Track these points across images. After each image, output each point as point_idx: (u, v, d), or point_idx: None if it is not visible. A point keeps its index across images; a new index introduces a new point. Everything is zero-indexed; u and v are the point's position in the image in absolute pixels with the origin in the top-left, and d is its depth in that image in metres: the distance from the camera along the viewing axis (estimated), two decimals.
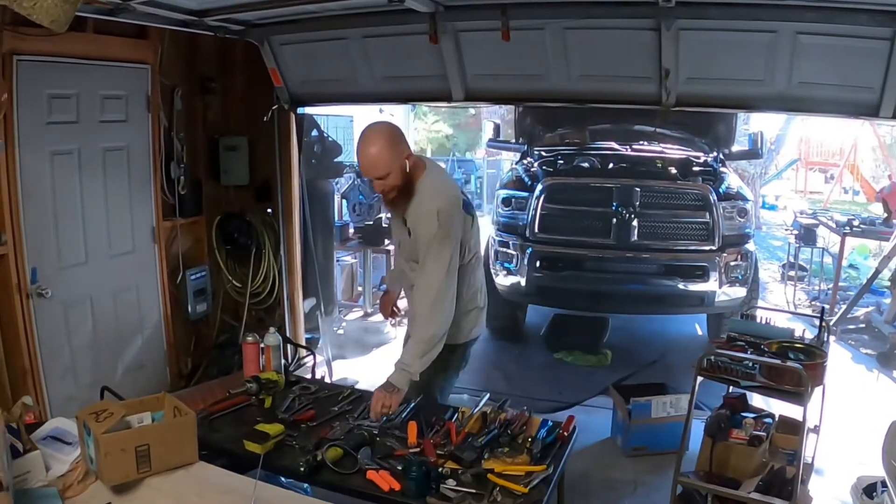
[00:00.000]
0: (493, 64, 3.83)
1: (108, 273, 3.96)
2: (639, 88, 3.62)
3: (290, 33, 4.04)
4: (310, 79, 4.29)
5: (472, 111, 18.09)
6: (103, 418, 1.79)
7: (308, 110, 4.90)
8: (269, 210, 4.82)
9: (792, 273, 8.15)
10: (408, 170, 2.62)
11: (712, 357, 2.85)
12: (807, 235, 7.93)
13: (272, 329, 2.80)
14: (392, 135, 2.59)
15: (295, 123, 4.63)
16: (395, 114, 11.08)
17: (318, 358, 4.72)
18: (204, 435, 2.35)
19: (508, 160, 12.27)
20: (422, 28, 3.64)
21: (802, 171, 17.26)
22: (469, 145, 19.49)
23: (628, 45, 3.49)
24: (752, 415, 3.12)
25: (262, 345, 2.80)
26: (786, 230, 9.08)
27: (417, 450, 2.31)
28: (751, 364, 2.76)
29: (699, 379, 2.88)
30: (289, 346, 4.36)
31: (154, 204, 4.21)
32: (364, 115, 9.13)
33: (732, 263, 5.22)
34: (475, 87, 3.95)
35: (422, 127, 19.70)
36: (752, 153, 6.71)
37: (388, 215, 3.64)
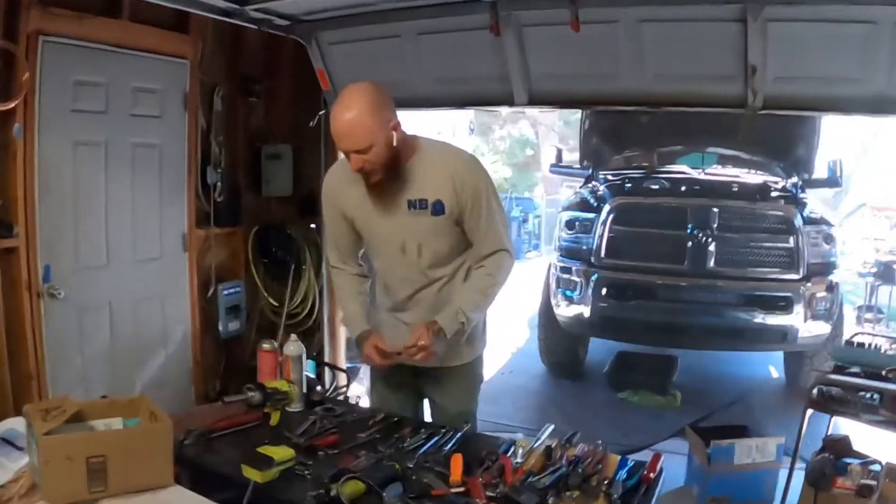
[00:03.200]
0: (560, 63, 3.43)
1: (130, 279, 3.64)
2: (721, 89, 3.17)
3: (339, 29, 3.73)
4: (359, 80, 3.93)
5: (531, 150, 17.81)
6: (52, 416, 1.37)
7: None
8: (312, 225, 4.46)
9: (869, 315, 7.75)
10: (395, 143, 2.10)
11: (824, 386, 2.32)
12: (886, 273, 7.65)
13: (293, 336, 2.37)
14: (376, 96, 2.06)
15: None
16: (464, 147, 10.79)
17: (360, 388, 4.27)
18: (200, 456, 1.95)
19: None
20: (482, 21, 3.27)
21: (868, 215, 16.18)
22: (528, 185, 19.11)
23: (710, 40, 3.07)
24: (857, 460, 2.61)
25: (281, 355, 2.37)
26: (864, 266, 8.58)
27: (462, 489, 1.81)
28: (871, 395, 2.23)
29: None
30: (326, 371, 3.98)
31: (187, 209, 3.90)
32: (419, 122, 8.83)
33: (818, 295, 4.66)
34: (539, 90, 3.55)
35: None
36: (832, 181, 6.12)
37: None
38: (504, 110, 4.20)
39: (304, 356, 2.34)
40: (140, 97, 3.56)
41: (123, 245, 3.59)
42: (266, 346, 2.37)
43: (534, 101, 3.60)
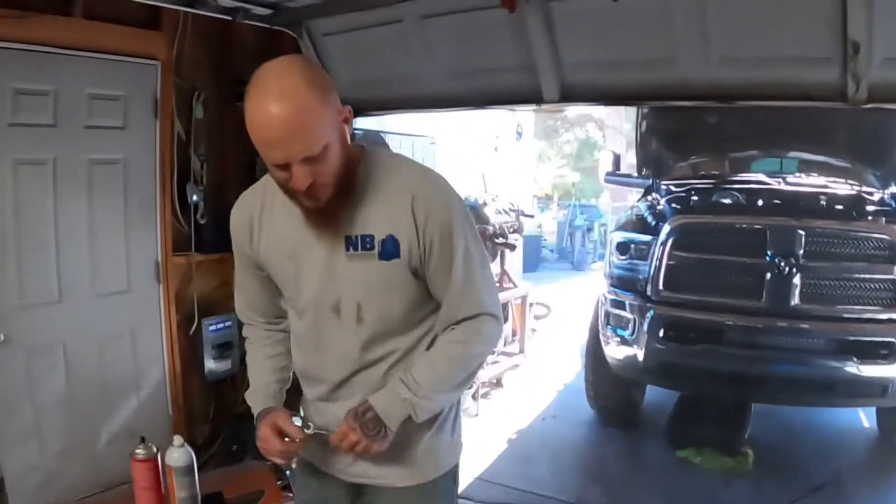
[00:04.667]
0: (599, 47, 2.74)
1: (90, 316, 3.16)
2: (809, 76, 2.42)
3: (332, 16, 3.14)
4: (361, 79, 3.34)
5: (598, 154, 16.84)
6: None
7: (365, 123, 3.95)
8: None
9: None
10: (349, 133, 1.46)
11: None
12: None
13: (177, 440, 1.72)
14: (315, 73, 1.39)
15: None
16: (514, 154, 9.94)
17: None
18: None
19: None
20: None
21: None
22: (596, 191, 18.13)
23: (796, 9, 2.32)
24: None
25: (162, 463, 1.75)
26: None
27: None
28: None
29: None
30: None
31: (160, 233, 3.38)
32: (446, 131, 7.96)
33: None
34: (574, 82, 2.87)
35: (546, 171, 18.63)
36: None
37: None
38: (532, 109, 3.43)
39: (195, 466, 1.71)
40: (97, 106, 3.06)
41: (80, 277, 3.10)
42: (140, 452, 1.73)
43: (567, 96, 2.92)
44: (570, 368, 5.96)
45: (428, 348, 1.59)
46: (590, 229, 13.28)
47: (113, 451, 3.23)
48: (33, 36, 2.76)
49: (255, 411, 1.65)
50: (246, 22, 3.21)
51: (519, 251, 6.45)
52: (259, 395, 1.68)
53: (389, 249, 1.50)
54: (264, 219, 1.60)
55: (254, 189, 1.67)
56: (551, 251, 13.79)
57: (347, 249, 1.52)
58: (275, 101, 1.32)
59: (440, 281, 1.54)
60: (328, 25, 3.22)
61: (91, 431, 3.21)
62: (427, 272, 1.54)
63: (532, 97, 2.97)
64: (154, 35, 3.22)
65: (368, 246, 1.51)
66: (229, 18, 3.10)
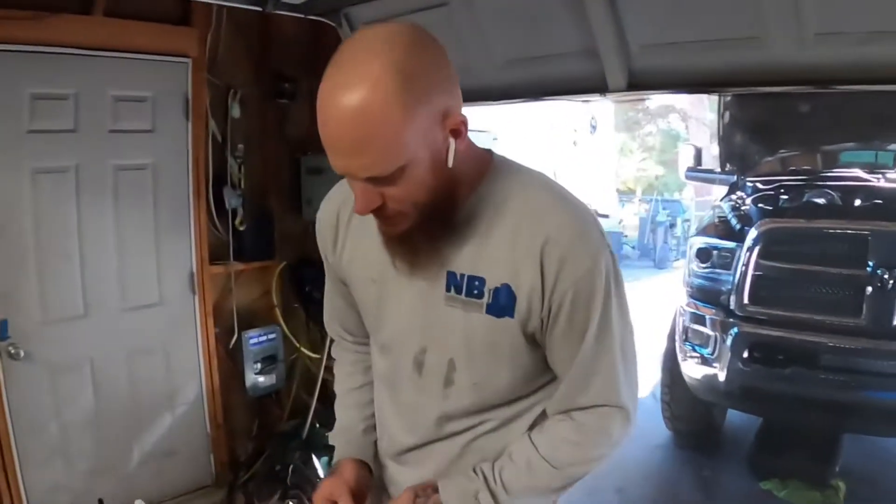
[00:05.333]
0: (671, 26, 2.29)
1: (119, 331, 3.01)
2: None
3: (373, 0, 2.84)
4: None
5: (679, 145, 16.07)
6: None
7: None
8: None
9: None
10: (449, 162, 1.04)
11: None
12: None
13: None
14: (416, 62, 0.96)
15: None
16: (591, 147, 9.46)
17: None
18: None
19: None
20: None
21: None
22: (679, 185, 17.32)
23: None
24: None
25: None
26: None
27: None
28: None
29: None
30: None
31: (194, 242, 3.18)
32: (506, 128, 7.53)
33: None
34: (644, 67, 2.44)
35: (628, 164, 17.98)
36: None
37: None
38: (597, 99, 3.03)
39: None
40: (123, 109, 2.89)
41: (107, 290, 2.95)
42: None
43: (636, 83, 2.49)
44: (647, 381, 5.51)
45: (531, 427, 1.23)
46: (672, 225, 12.62)
47: (145, 470, 3.13)
48: (50, 37, 2.61)
49: (334, 458, 1.35)
50: (278, 13, 2.95)
51: None
52: (340, 438, 1.37)
53: (501, 303, 1.12)
54: (352, 225, 1.25)
55: (339, 188, 1.30)
56: (632, 248, 13.21)
57: (448, 289, 1.14)
58: (340, 91, 0.93)
59: (563, 353, 1.16)
60: (369, 12, 2.90)
61: (121, 450, 3.07)
62: (547, 339, 1.15)
63: (596, 86, 2.56)
64: (184, 31, 3.02)
65: (476, 292, 1.12)
66: (259, 9, 2.84)
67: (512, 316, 1.12)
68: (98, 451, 2.98)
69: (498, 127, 7.38)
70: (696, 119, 15.96)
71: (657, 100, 15.50)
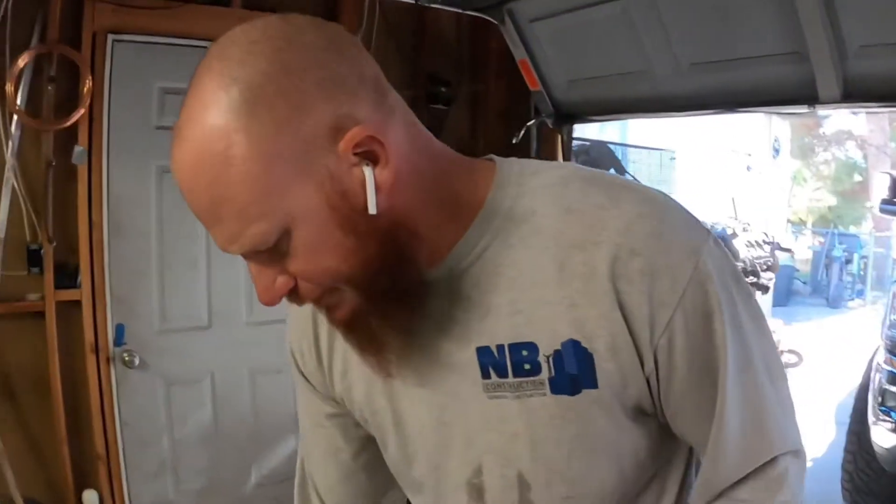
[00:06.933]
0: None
1: (243, 346, 2.85)
2: None
3: None
4: (581, 76, 2.72)
5: (859, 177, 14.43)
6: None
7: (585, 130, 3.30)
8: None
9: None
10: (370, 189, 0.63)
11: None
12: None
13: None
14: (265, 66, 0.62)
15: (562, 151, 3.10)
16: (769, 174, 8.52)
17: None
18: None
19: None
20: None
21: None
22: (855, 218, 15.54)
23: None
24: None
25: None
26: None
27: None
28: None
29: None
30: None
31: None
32: (687, 141, 6.73)
33: None
34: (861, 74, 1.98)
35: (800, 193, 16.43)
36: None
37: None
38: (805, 112, 2.45)
39: None
40: None
41: (233, 302, 2.81)
42: None
43: (852, 93, 2.03)
44: (822, 438, 4.77)
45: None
46: (848, 261, 11.39)
47: (260, 494, 2.96)
48: (184, 29, 2.52)
49: None
50: (434, 6, 2.68)
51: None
52: None
53: (572, 372, 0.73)
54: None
55: None
56: (804, 283, 12.16)
57: (486, 375, 0.75)
58: (177, 140, 0.64)
59: (695, 413, 0.76)
60: (536, 8, 2.60)
61: (237, 472, 2.92)
62: (664, 401, 0.76)
63: (803, 95, 2.12)
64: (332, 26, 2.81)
65: (528, 368, 0.74)
66: (412, 2, 2.57)
67: (594, 386, 0.73)
68: (211, 470, 2.85)
69: (677, 144, 6.65)
70: (875, 147, 14.20)
71: (834, 123, 14.02)
